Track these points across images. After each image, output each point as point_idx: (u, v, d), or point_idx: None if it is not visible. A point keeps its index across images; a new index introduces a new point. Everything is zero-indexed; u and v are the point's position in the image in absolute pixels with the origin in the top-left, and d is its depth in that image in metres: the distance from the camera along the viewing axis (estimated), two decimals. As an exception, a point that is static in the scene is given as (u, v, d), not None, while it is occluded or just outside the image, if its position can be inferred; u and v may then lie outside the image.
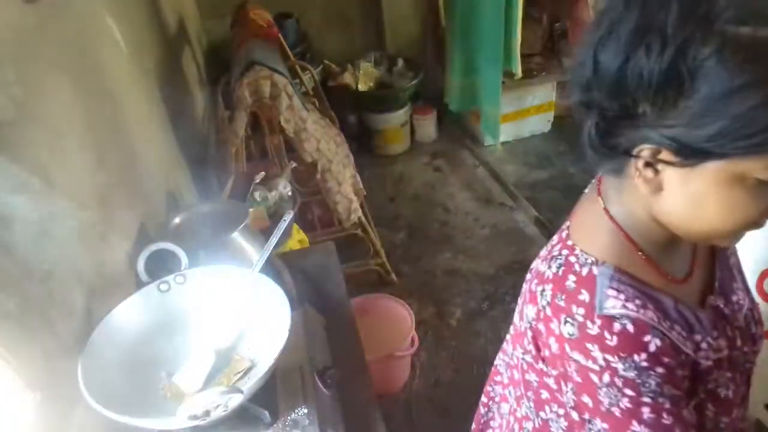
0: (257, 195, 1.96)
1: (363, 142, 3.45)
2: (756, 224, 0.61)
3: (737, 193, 0.56)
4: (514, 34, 2.84)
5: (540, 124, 3.51)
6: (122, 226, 1.23)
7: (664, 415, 0.61)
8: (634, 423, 0.61)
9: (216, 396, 0.75)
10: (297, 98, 2.19)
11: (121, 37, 1.58)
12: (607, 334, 0.61)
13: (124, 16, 1.69)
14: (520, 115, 3.41)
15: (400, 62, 3.46)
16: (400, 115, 3.43)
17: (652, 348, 0.61)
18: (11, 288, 0.77)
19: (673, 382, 0.62)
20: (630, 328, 0.61)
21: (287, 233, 1.12)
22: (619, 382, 0.61)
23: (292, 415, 0.91)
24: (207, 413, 0.76)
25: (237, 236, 1.19)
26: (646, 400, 0.61)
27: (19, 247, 0.80)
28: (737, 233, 0.64)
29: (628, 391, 0.61)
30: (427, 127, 3.56)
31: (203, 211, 1.32)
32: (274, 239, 0.95)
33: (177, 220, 1.27)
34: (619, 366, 0.60)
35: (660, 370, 0.61)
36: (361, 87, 3.38)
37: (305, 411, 0.91)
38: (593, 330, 0.61)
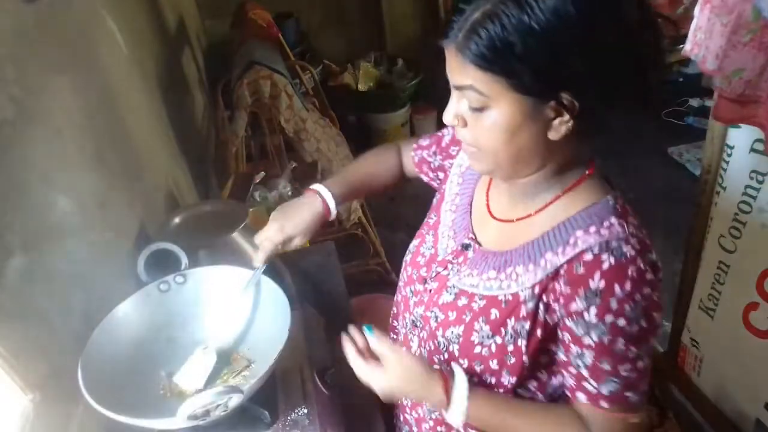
0: (257, 195, 1.96)
1: (363, 142, 3.46)
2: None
3: None
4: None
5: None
6: (122, 226, 1.23)
7: None
8: None
9: (216, 396, 0.74)
10: (297, 98, 2.20)
11: (121, 37, 1.58)
12: None
13: (124, 17, 1.69)
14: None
15: (400, 62, 3.46)
16: (400, 115, 3.43)
17: None
18: (11, 288, 0.77)
19: None
20: None
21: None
22: None
23: (292, 415, 0.91)
24: (207, 413, 0.76)
25: (237, 236, 1.19)
26: None
27: (20, 246, 0.80)
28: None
29: None
30: (427, 127, 3.56)
31: (203, 211, 1.32)
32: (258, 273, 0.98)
33: (177, 220, 1.27)
34: None
35: None
36: (361, 87, 3.38)
37: (305, 411, 0.91)
38: None
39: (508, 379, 0.76)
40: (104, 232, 1.13)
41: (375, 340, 0.79)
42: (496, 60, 0.61)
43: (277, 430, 0.88)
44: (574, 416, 0.73)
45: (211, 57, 3.22)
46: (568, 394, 0.74)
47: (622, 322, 0.66)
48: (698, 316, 1.62)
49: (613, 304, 0.65)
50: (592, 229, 0.68)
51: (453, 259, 0.84)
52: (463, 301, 0.79)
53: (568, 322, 0.69)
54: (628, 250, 0.65)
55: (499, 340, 0.75)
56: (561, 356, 0.74)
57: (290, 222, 0.95)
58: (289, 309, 0.90)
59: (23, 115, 0.89)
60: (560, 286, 0.69)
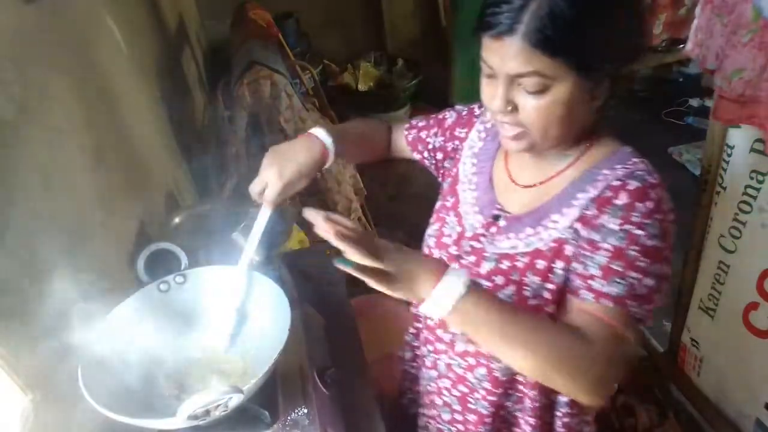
0: (257, 195, 1.95)
1: (363, 142, 3.45)
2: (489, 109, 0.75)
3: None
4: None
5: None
6: (122, 226, 1.23)
7: None
8: None
9: (216, 396, 0.74)
10: (297, 98, 2.20)
11: (121, 37, 1.58)
12: None
13: (124, 17, 1.69)
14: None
15: (400, 62, 3.46)
16: (400, 115, 3.43)
17: None
18: (11, 288, 0.77)
19: None
20: None
21: (287, 232, 1.12)
22: None
23: (292, 415, 0.91)
24: (207, 413, 0.76)
25: (237, 236, 1.19)
26: None
27: (19, 246, 0.80)
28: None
29: None
30: (427, 127, 3.56)
31: (203, 211, 1.32)
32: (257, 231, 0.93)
33: (177, 220, 1.27)
34: None
35: None
36: (361, 87, 3.39)
37: (305, 411, 0.91)
38: None
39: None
40: (104, 232, 1.13)
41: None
42: (563, 42, 0.65)
43: (277, 430, 0.88)
44: (573, 327, 0.72)
45: (211, 57, 3.22)
46: (571, 297, 0.75)
47: (639, 232, 0.70)
48: (698, 316, 1.62)
49: (635, 217, 0.71)
50: (618, 166, 0.75)
51: (485, 231, 0.87)
52: (506, 264, 0.82)
53: (592, 235, 0.73)
54: (650, 178, 0.73)
55: (550, 285, 0.78)
56: (573, 268, 0.76)
57: (289, 164, 0.88)
58: (289, 309, 0.90)
59: (23, 115, 0.89)
60: (590, 212, 0.75)
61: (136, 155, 1.49)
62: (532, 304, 0.79)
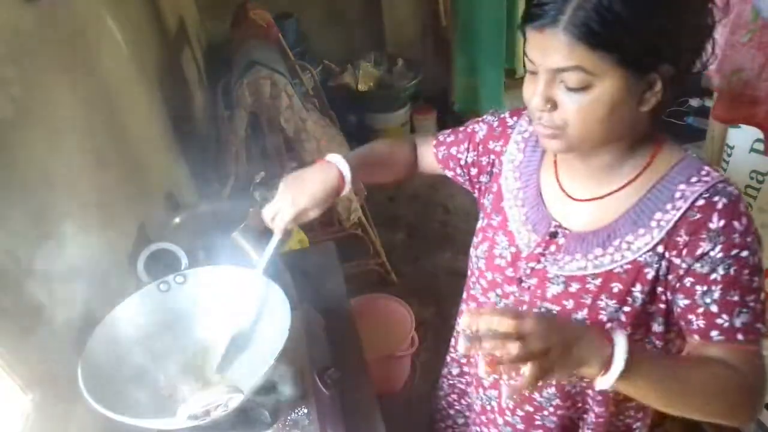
0: (257, 195, 1.95)
1: (363, 142, 3.44)
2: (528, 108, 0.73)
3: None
4: (517, 34, 2.84)
5: (540, 124, 3.51)
6: (122, 226, 1.23)
7: None
8: None
9: (216, 396, 0.75)
10: (297, 98, 2.19)
11: (121, 38, 1.58)
12: None
13: (124, 17, 1.69)
14: (520, 115, 3.41)
15: (400, 62, 3.46)
16: (400, 115, 3.43)
17: None
18: (11, 287, 0.77)
19: None
20: None
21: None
22: None
23: (292, 415, 0.91)
24: (207, 413, 0.76)
25: (237, 236, 1.19)
26: None
27: (19, 246, 0.80)
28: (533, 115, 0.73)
29: None
30: (427, 127, 3.56)
31: (203, 211, 1.32)
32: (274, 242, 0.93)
33: (177, 220, 1.27)
34: None
35: None
36: (361, 87, 3.38)
37: (305, 411, 0.91)
38: None
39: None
40: (104, 232, 1.13)
41: (494, 311, 0.60)
42: (609, 36, 0.62)
43: (277, 430, 0.88)
44: (719, 362, 0.69)
45: (211, 57, 3.22)
46: (699, 340, 0.72)
47: (745, 253, 0.68)
48: (698, 316, 1.62)
49: (736, 238, 0.68)
50: (693, 179, 0.71)
51: (543, 251, 0.82)
52: (575, 287, 0.78)
53: (695, 267, 0.70)
54: (732, 189, 0.69)
55: (627, 309, 0.75)
56: (682, 303, 0.72)
57: (303, 193, 0.86)
58: (289, 309, 0.90)
59: (23, 115, 0.89)
60: (681, 238, 0.70)
61: (136, 155, 1.49)
62: (607, 326, 0.76)
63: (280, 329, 0.86)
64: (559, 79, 0.66)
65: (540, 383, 0.59)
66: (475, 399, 1.04)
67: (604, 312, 0.76)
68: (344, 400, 1.02)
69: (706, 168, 0.72)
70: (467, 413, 1.13)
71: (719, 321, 0.69)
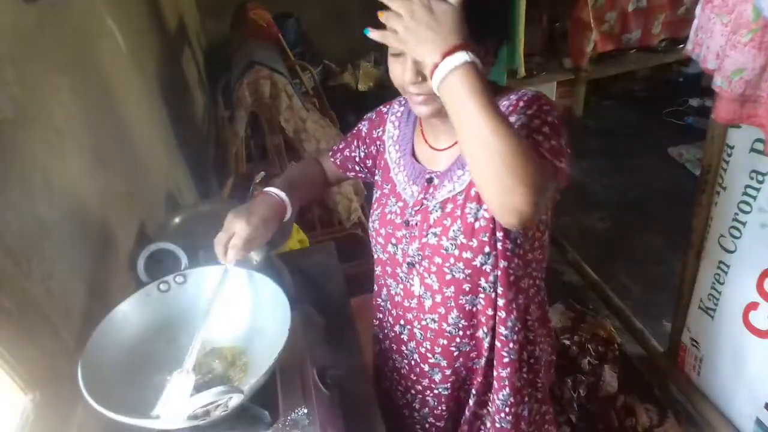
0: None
1: (363, 142, 3.45)
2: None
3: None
4: (517, 34, 2.84)
5: (540, 123, 3.51)
6: (122, 226, 1.23)
7: None
8: None
9: (216, 396, 0.75)
10: (297, 98, 2.20)
11: (121, 37, 1.58)
12: None
13: (124, 17, 1.69)
14: (520, 115, 3.42)
15: (400, 62, 3.46)
16: (400, 115, 3.43)
17: None
18: (11, 288, 0.77)
19: None
20: None
21: (287, 233, 1.12)
22: None
23: (292, 415, 0.91)
24: (207, 413, 0.76)
25: (237, 236, 1.19)
26: None
27: (19, 246, 0.80)
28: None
29: None
30: (427, 127, 3.56)
31: (203, 211, 1.32)
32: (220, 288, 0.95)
33: (177, 220, 1.27)
34: None
35: None
36: (361, 87, 3.39)
37: (305, 411, 0.91)
38: None
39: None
40: (104, 232, 1.13)
41: None
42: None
43: (277, 430, 0.88)
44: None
45: (211, 57, 3.22)
46: None
47: (544, 118, 0.83)
48: (698, 316, 1.62)
49: (527, 110, 0.84)
50: (512, 96, 0.89)
51: (425, 195, 0.96)
52: (449, 206, 0.92)
53: None
54: (536, 93, 0.87)
55: (485, 205, 0.88)
56: None
57: (252, 215, 0.94)
58: (289, 309, 0.90)
59: (23, 115, 0.89)
60: None
61: (136, 155, 1.49)
62: (477, 227, 0.89)
63: (280, 329, 0.86)
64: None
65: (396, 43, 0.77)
66: (403, 362, 1.12)
67: (470, 215, 0.90)
68: (344, 400, 1.02)
69: (522, 91, 0.89)
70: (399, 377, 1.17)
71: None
